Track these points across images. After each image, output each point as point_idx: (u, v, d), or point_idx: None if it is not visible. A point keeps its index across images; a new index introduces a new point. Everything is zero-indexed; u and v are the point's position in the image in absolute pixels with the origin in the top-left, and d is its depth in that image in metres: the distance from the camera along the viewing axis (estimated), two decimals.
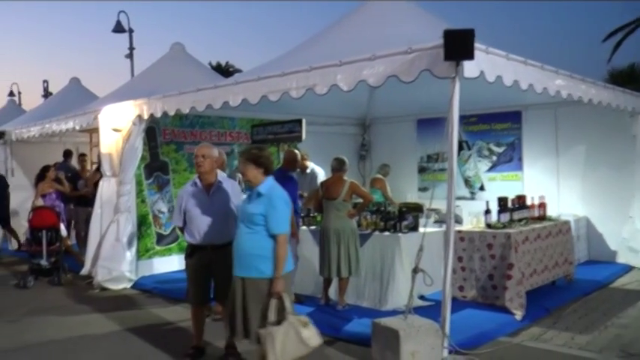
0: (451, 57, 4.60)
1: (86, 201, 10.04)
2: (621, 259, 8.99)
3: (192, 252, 5.17)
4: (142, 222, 8.95)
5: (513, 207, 7.14)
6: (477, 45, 4.64)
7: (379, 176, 9.99)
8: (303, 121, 7.57)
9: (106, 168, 8.78)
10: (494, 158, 10.41)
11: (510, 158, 10.23)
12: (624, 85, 10.14)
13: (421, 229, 6.90)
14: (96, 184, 9.23)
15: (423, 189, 11.16)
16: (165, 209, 9.29)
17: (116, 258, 8.37)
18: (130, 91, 9.32)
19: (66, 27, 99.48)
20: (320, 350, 4.53)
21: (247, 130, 9.76)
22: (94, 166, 11.05)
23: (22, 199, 12.01)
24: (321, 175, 8.52)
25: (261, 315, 4.22)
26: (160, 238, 9.26)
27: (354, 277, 6.65)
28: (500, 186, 9.92)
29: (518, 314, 6.12)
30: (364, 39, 5.96)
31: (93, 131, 10.51)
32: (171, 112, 7.59)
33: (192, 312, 5.32)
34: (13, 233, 12.02)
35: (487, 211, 6.98)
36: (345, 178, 6.74)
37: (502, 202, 7.05)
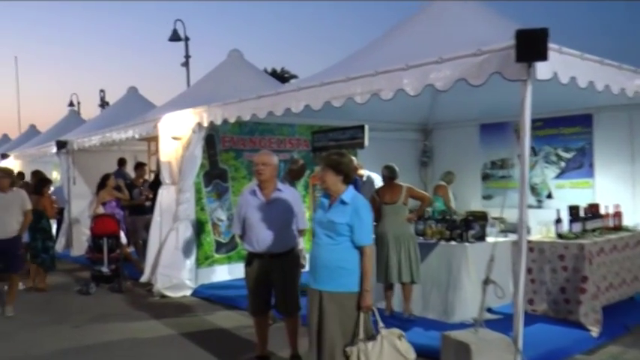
0: (523, 58, 4.33)
1: (143, 209, 10.19)
2: None
3: (251, 260, 5.14)
4: (201, 230, 8.97)
5: (586, 216, 6.79)
6: (550, 45, 4.37)
7: (442, 183, 9.74)
8: (366, 128, 7.36)
9: (165, 176, 8.85)
10: (563, 164, 9.90)
11: (580, 164, 9.70)
12: None
13: (489, 239, 6.68)
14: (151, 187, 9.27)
15: (486, 197, 10.75)
16: (224, 217, 9.29)
17: (176, 266, 8.43)
18: (188, 99, 9.34)
19: (122, 36, 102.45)
20: None
21: (307, 137, 9.64)
22: (152, 175, 11.20)
23: (83, 207, 12.23)
24: (378, 180, 8.33)
25: (341, 331, 4.02)
26: (219, 246, 9.26)
27: (417, 284, 6.51)
28: (569, 194, 9.44)
29: (595, 331, 5.77)
30: (430, 41, 5.72)
31: (151, 139, 10.61)
32: (232, 120, 7.54)
33: (254, 321, 5.28)
34: None
35: (558, 220, 6.63)
36: (400, 183, 6.73)
37: (574, 210, 6.73)
